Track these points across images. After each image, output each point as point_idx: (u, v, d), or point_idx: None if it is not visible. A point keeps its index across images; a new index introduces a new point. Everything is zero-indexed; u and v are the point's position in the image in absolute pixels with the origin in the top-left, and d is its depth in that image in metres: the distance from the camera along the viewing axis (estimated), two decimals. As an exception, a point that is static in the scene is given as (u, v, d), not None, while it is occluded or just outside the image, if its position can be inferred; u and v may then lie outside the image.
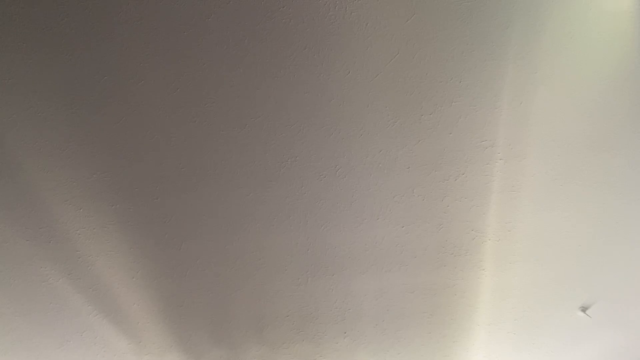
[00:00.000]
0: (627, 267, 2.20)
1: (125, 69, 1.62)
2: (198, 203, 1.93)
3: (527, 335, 2.46)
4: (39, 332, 2.28)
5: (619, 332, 2.46)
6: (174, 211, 1.94)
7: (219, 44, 1.59)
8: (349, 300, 2.26)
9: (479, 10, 1.57)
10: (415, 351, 2.50)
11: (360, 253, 2.11)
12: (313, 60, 1.64)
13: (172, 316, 2.26)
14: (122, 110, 1.70)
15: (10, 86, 1.63)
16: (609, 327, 2.43)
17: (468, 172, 1.91)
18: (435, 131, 1.81)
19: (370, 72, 1.67)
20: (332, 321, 2.34)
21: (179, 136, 1.77)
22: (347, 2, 1.53)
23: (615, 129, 1.83)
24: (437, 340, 2.45)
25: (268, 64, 1.64)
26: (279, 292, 2.21)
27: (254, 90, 1.69)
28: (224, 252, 2.07)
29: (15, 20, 1.51)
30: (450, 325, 2.39)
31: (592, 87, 1.74)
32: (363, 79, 1.68)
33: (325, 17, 1.56)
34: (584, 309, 2.33)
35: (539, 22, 1.60)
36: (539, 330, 2.43)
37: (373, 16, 1.56)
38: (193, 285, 2.16)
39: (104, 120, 1.72)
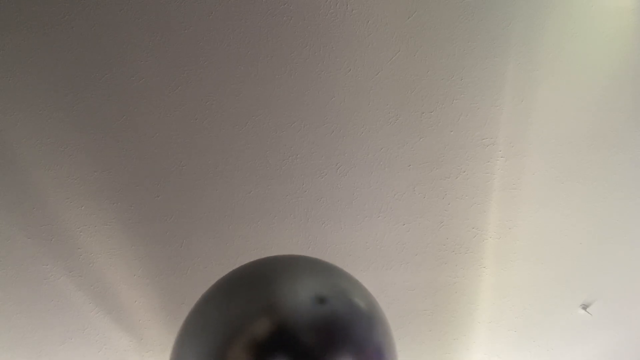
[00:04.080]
0: (628, 265, 2.20)
1: (125, 67, 1.62)
2: (199, 201, 1.93)
3: (527, 332, 2.46)
4: (41, 330, 2.28)
5: (619, 331, 2.46)
6: (175, 209, 1.94)
7: (220, 42, 1.59)
8: (349, 298, 2.26)
9: (480, 8, 1.57)
10: (415, 349, 2.50)
11: (361, 251, 2.11)
12: (314, 58, 1.64)
13: (173, 314, 2.26)
14: (123, 109, 1.71)
15: (11, 85, 1.63)
16: (610, 325, 2.43)
17: (469, 169, 1.91)
18: (436, 129, 1.81)
19: (371, 70, 1.67)
20: (333, 319, 2.34)
21: (180, 134, 1.77)
22: (348, 0, 1.53)
23: (617, 127, 1.83)
24: (438, 337, 2.45)
25: (269, 61, 1.64)
26: (280, 289, 2.21)
27: (254, 88, 1.69)
28: (225, 250, 2.07)
29: (16, 19, 1.51)
30: (451, 323, 2.39)
31: (594, 85, 1.73)
32: (364, 76, 1.68)
33: (326, 15, 1.56)
34: (584, 307, 2.33)
35: (540, 19, 1.60)
36: (539, 328, 2.44)
37: (374, 14, 1.56)
38: (194, 283, 2.16)
39: (105, 118, 1.72)
